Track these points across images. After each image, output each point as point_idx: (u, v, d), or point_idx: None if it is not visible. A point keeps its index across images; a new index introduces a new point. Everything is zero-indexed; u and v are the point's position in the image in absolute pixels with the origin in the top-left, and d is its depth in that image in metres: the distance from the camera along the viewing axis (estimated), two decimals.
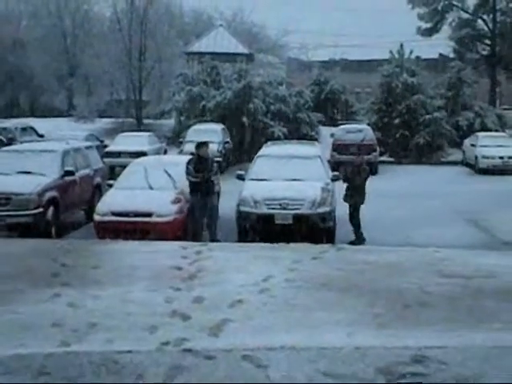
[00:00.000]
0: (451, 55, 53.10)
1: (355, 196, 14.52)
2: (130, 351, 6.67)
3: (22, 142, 25.89)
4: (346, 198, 14.66)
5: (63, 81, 55.30)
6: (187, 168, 14.14)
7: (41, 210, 14.27)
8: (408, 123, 35.45)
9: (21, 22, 61.50)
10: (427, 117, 34.87)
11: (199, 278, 9.84)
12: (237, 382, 5.99)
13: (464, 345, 6.91)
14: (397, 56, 38.09)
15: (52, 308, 8.24)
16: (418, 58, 40.10)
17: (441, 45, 54.11)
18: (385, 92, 36.86)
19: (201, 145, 14.47)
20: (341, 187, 14.79)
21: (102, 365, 6.35)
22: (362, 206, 14.60)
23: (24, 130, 32.52)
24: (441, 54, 56.28)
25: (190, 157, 15.08)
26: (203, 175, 13.93)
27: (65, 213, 15.53)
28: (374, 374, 6.16)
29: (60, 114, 50.36)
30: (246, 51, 44.23)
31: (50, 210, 14.61)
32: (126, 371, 6.23)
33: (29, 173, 15.17)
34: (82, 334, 7.25)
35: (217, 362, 6.46)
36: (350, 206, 14.58)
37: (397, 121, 35.53)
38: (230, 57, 41.08)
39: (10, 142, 28.38)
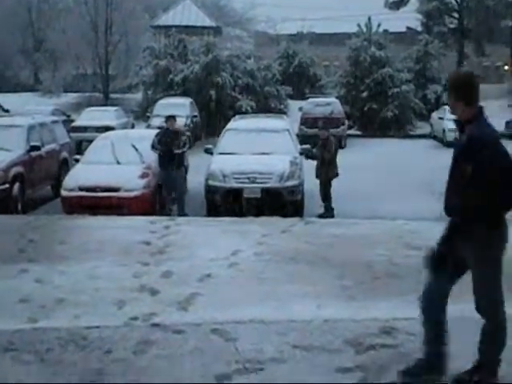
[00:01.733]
0: (419, 28, 53.34)
1: (328, 171, 14.44)
2: (98, 326, 6.63)
3: None
4: (317, 174, 14.58)
5: (29, 55, 54.55)
6: (153, 141, 14.17)
7: (7, 185, 14.10)
8: (376, 96, 35.55)
9: None
10: (395, 90, 34.98)
11: (168, 252, 9.81)
12: (206, 356, 5.98)
13: None
14: (365, 29, 38.12)
15: (19, 284, 8.16)
16: (385, 31, 40.16)
17: (408, 18, 54.31)
18: (353, 65, 36.91)
19: (168, 118, 14.57)
20: (310, 161, 14.76)
21: (70, 340, 6.30)
22: (334, 180, 14.57)
23: None
24: (408, 28, 56.48)
25: (157, 131, 15.10)
26: (166, 147, 13.92)
27: (31, 188, 15.38)
28: (343, 345, 6.19)
29: (26, 89, 49.69)
30: (213, 24, 44.01)
31: (16, 185, 14.44)
32: (95, 346, 6.19)
33: None
34: (49, 309, 7.19)
35: (186, 336, 6.45)
36: (322, 181, 14.53)
37: (365, 94, 35.61)
38: (198, 30, 40.84)
39: None
